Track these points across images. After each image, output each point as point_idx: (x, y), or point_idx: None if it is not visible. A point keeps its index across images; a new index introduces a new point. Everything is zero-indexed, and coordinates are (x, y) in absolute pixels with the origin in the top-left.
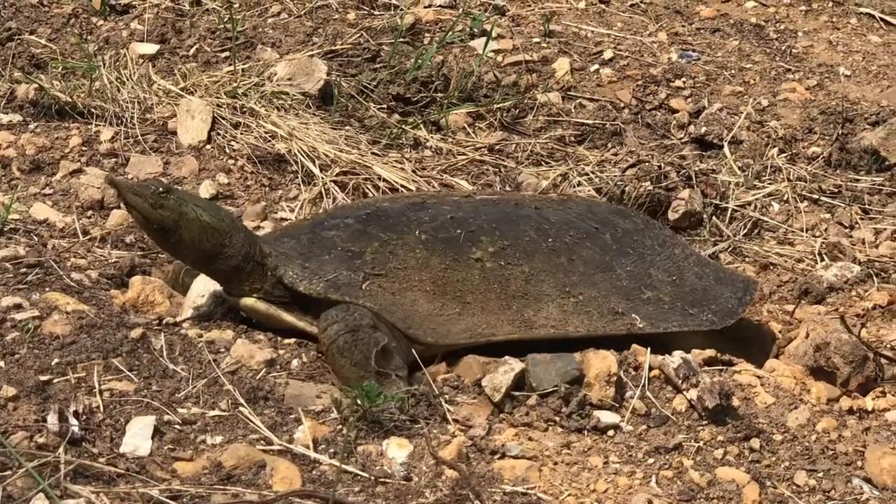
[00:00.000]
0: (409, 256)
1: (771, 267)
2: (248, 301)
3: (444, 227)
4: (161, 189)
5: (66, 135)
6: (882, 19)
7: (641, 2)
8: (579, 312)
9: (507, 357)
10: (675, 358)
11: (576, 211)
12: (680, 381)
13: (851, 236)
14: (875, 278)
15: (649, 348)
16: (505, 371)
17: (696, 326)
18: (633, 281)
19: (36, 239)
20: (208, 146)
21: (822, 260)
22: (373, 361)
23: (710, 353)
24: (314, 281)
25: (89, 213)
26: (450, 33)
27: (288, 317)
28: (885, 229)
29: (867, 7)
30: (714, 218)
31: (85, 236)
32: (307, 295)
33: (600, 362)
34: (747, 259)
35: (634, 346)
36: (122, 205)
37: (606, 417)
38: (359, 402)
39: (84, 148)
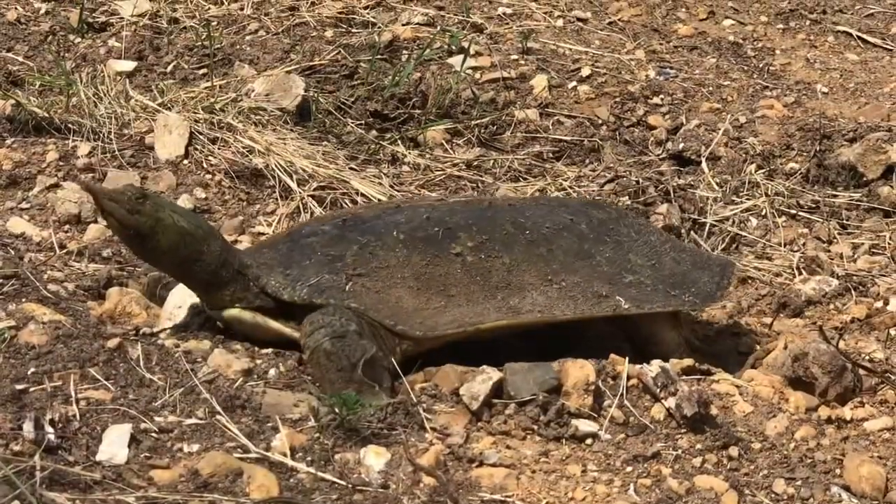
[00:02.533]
0: (389, 256)
1: (749, 281)
2: (233, 312)
3: (422, 226)
4: (137, 195)
5: (43, 150)
6: (859, 37)
7: (619, 20)
8: (564, 297)
9: (484, 366)
10: (654, 367)
11: (549, 205)
12: (658, 390)
13: (829, 251)
14: (853, 292)
15: (627, 357)
16: (483, 380)
17: (679, 306)
18: (612, 266)
19: (12, 252)
20: (186, 161)
21: (801, 274)
22: (359, 369)
23: (688, 362)
24: (297, 287)
25: (66, 227)
26: (427, 50)
27: (274, 325)
28: (862, 244)
29: (844, 25)
30: (692, 233)
31: (62, 250)
32: (291, 302)
33: (578, 371)
34: None
35: (612, 355)
36: (97, 211)
37: (584, 426)
38: (336, 410)
39: (61, 163)
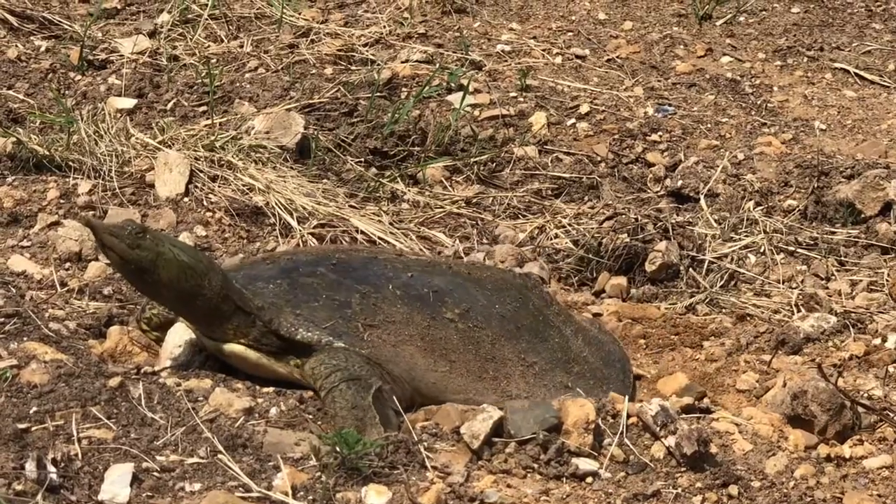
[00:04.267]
0: (392, 311)
1: (748, 318)
2: (237, 349)
3: (412, 285)
4: (137, 229)
5: (44, 188)
6: (857, 74)
7: (618, 57)
8: (539, 385)
9: (485, 405)
10: (654, 405)
11: (499, 276)
12: (658, 429)
13: (828, 288)
14: (852, 329)
15: (627, 396)
16: (483, 419)
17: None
18: (563, 353)
19: (13, 290)
20: (186, 199)
21: (799, 311)
22: (372, 409)
23: (687, 400)
24: (312, 329)
25: (67, 265)
26: (426, 88)
27: (278, 367)
28: (861, 281)
29: (842, 62)
30: (691, 269)
31: (63, 288)
32: (305, 343)
33: (578, 410)
34: (724, 310)
35: (612, 394)
36: (98, 245)
37: (585, 464)
38: (338, 448)
39: (62, 200)
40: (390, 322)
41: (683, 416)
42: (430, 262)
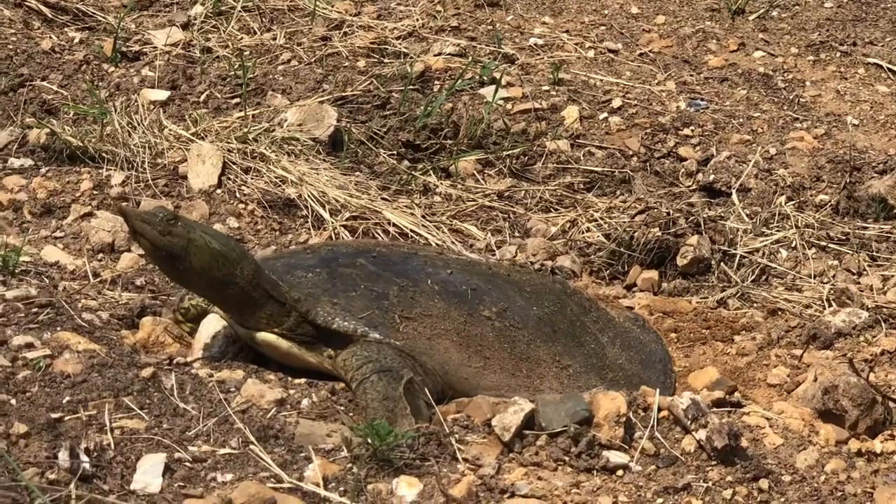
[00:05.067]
0: (430, 305)
1: (779, 312)
2: (269, 338)
3: (451, 282)
4: (169, 216)
5: (77, 179)
6: (890, 69)
7: (650, 51)
8: (571, 387)
9: (516, 398)
10: (685, 399)
11: (539, 280)
12: (689, 422)
13: (859, 283)
14: (883, 324)
15: (658, 389)
16: (515, 411)
17: None
18: (597, 359)
19: (47, 281)
20: (219, 190)
21: (830, 306)
22: (403, 400)
23: (718, 394)
24: (348, 319)
25: (100, 255)
26: (459, 81)
27: (310, 357)
28: (893, 276)
29: (875, 58)
30: (722, 264)
31: (95, 279)
32: (341, 332)
33: (609, 403)
34: (755, 304)
35: (643, 387)
36: (130, 233)
37: (615, 457)
38: (369, 440)
39: (95, 192)
40: (427, 315)
41: (714, 409)
42: (470, 261)
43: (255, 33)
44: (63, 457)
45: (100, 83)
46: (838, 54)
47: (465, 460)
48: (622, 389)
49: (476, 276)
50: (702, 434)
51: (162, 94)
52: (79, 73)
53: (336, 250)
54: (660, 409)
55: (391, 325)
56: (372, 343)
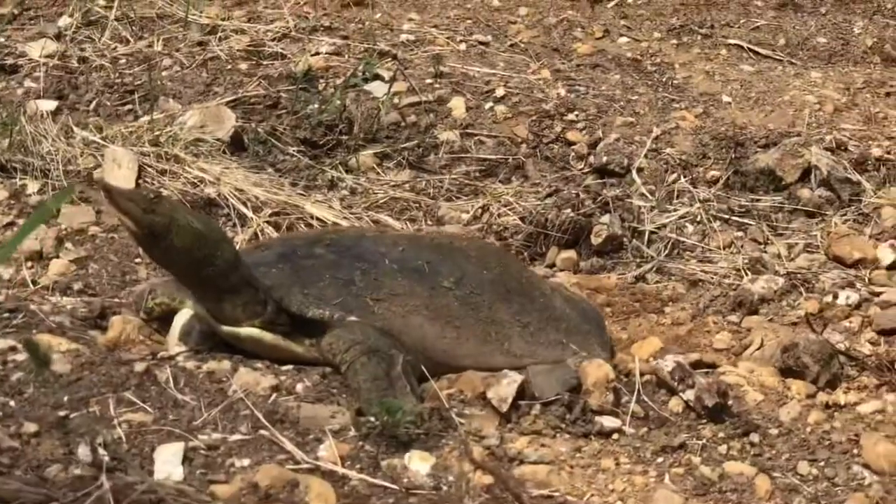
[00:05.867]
0: (394, 284)
1: (700, 283)
2: (254, 332)
3: (406, 258)
4: (152, 195)
5: None
6: (750, 49)
7: (519, 41)
8: (536, 343)
9: (506, 370)
10: (668, 362)
11: (478, 244)
12: (676, 384)
13: (766, 252)
14: (802, 288)
15: (638, 355)
16: (508, 383)
17: (600, 354)
18: (549, 311)
19: None
20: None
21: (747, 275)
22: (394, 379)
23: (694, 356)
24: (322, 306)
25: (29, 263)
26: (352, 77)
27: (296, 348)
28: (797, 243)
29: (734, 38)
30: (634, 240)
31: (35, 286)
32: (317, 320)
33: (597, 370)
34: (674, 277)
35: (620, 354)
36: (113, 210)
37: (608, 422)
38: (375, 419)
39: (12, 201)
40: (394, 295)
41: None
42: (412, 235)
43: (129, 42)
44: (83, 451)
45: None
46: (699, 37)
47: (468, 433)
48: (577, 338)
49: (425, 249)
50: (690, 394)
51: (50, 104)
52: None
53: (290, 244)
54: (642, 374)
55: (365, 308)
56: (354, 325)
